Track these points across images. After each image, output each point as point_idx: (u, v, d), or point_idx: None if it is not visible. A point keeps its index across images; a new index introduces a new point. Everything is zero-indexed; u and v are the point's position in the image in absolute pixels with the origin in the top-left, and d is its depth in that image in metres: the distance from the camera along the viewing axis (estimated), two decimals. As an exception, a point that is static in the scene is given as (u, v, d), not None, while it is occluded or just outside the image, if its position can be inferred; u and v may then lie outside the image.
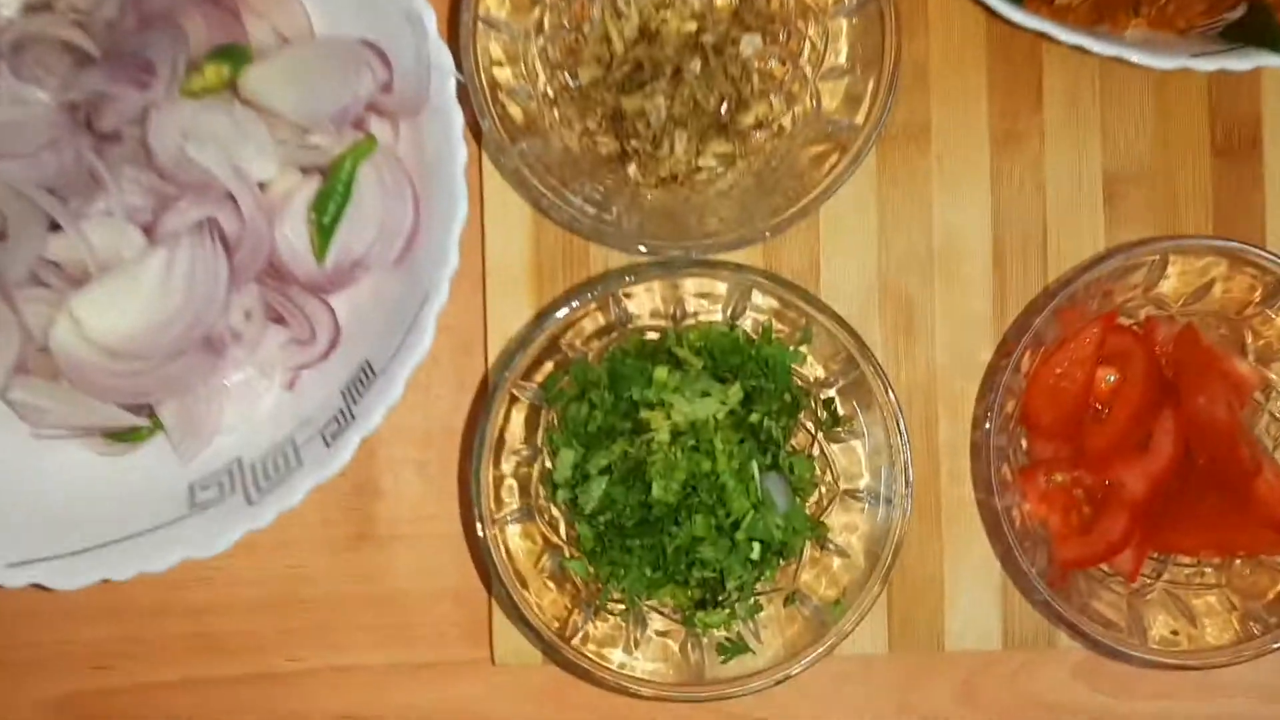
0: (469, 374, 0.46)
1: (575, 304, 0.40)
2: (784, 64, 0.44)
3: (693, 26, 0.44)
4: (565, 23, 0.44)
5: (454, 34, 0.42)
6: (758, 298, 0.42)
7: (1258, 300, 0.42)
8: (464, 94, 0.40)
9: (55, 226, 0.40)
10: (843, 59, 0.43)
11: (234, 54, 0.41)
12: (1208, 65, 0.39)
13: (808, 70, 0.44)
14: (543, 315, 0.43)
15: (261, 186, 0.41)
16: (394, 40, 0.41)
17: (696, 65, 0.43)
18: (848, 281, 0.46)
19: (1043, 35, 0.41)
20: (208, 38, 0.41)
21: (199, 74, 0.40)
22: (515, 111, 0.42)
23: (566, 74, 0.44)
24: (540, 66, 0.44)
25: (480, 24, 0.41)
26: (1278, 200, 0.47)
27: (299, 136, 0.41)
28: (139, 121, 0.40)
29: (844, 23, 0.43)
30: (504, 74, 0.43)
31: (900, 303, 0.46)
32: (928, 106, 0.46)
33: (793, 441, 0.42)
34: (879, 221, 0.46)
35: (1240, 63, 0.39)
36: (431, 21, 0.40)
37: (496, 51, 0.42)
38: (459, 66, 0.40)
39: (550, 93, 0.44)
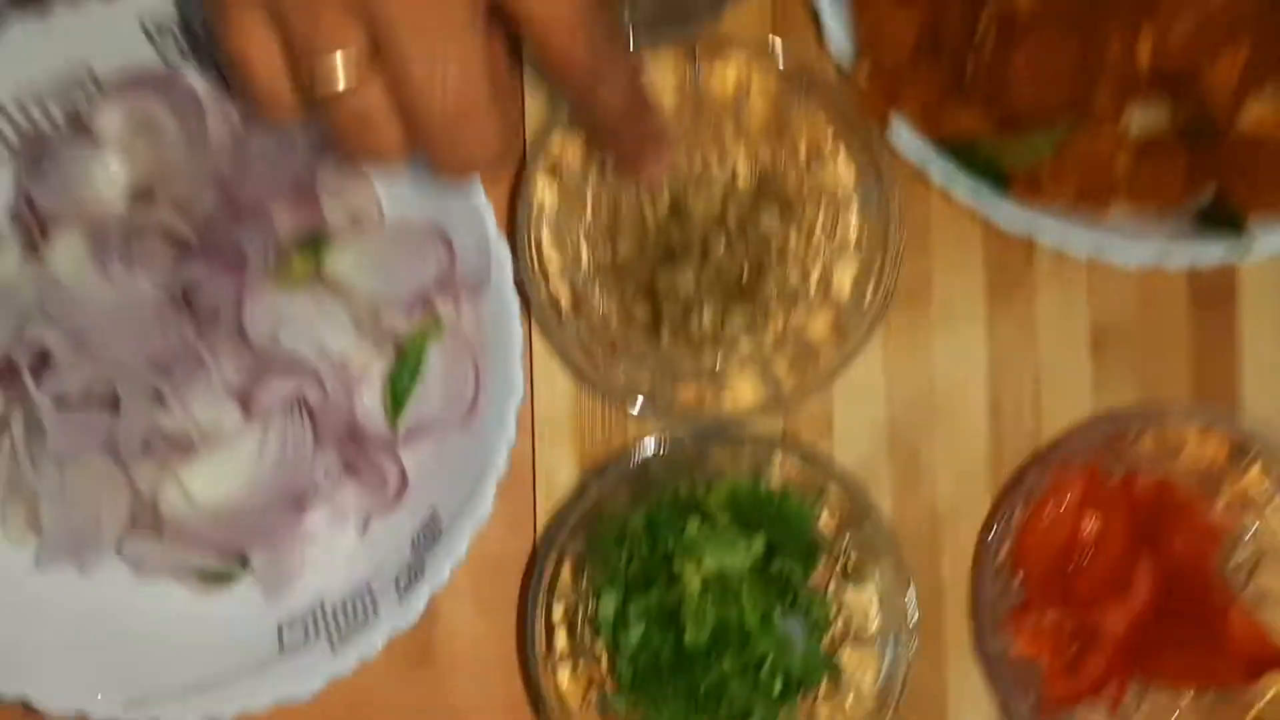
0: (521, 507, 0.51)
1: (612, 473, 0.46)
2: (799, 237, 0.50)
3: (718, 204, 0.50)
4: (606, 203, 0.49)
5: (511, 223, 0.48)
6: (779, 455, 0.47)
7: (1226, 459, 0.47)
8: (518, 277, 0.46)
9: (162, 402, 0.46)
10: (852, 235, 0.49)
11: (317, 243, 0.47)
12: (1176, 260, 0.44)
13: (820, 245, 0.49)
14: (586, 481, 0.49)
15: (342, 362, 0.47)
16: (457, 226, 0.47)
17: (722, 242, 0.48)
18: (858, 432, 0.51)
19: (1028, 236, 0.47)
20: (293, 225, 0.47)
21: (288, 265, 0.46)
22: (563, 291, 0.48)
23: (607, 249, 0.49)
24: (584, 244, 0.49)
25: (534, 215, 0.47)
26: (1252, 354, 0.52)
27: (375, 316, 0.47)
28: (235, 306, 0.46)
29: (854, 204, 0.49)
30: (552, 256, 0.48)
31: (906, 451, 0.51)
32: (929, 268, 0.52)
33: (810, 584, 0.47)
34: (885, 376, 0.51)
35: (1205, 254, 0.44)
36: (490, 216, 0.46)
37: (546, 237, 0.47)
38: (515, 254, 0.46)
39: (592, 267, 0.49)
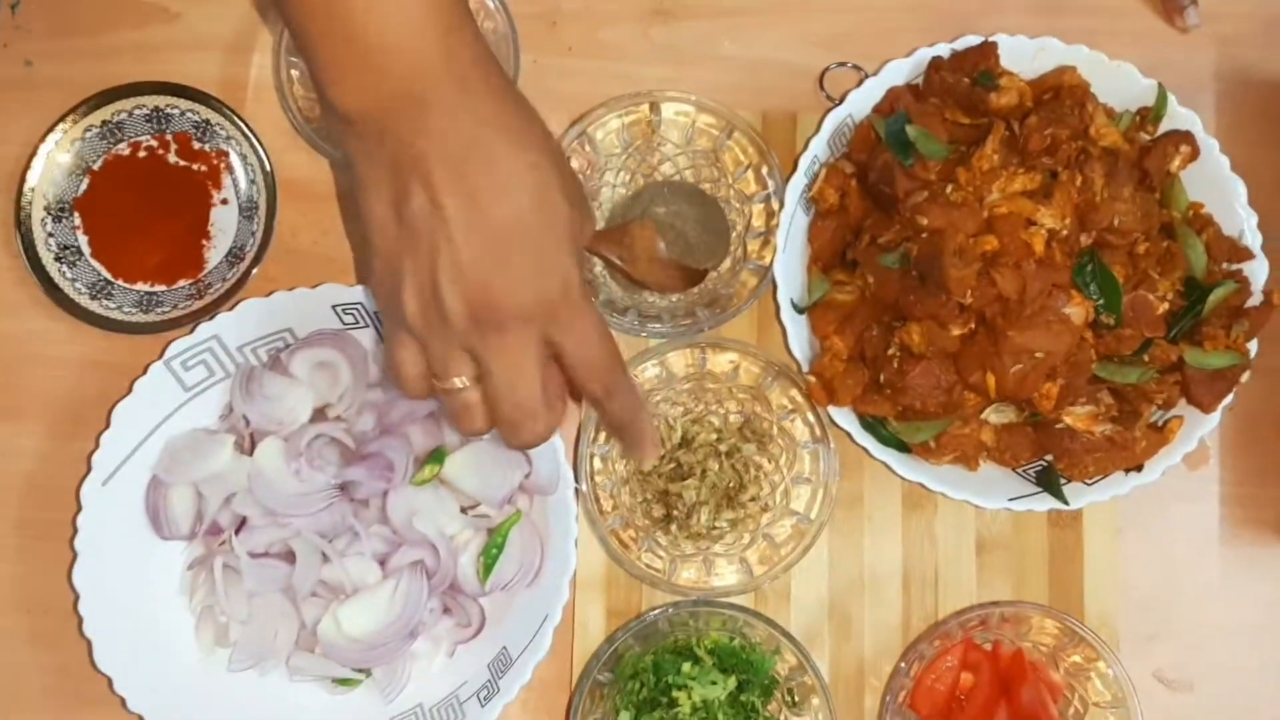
0: (563, 644, 0.70)
1: (631, 626, 0.66)
2: (770, 463, 0.71)
3: (714, 436, 0.71)
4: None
5: (575, 451, 0.68)
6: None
7: (1064, 639, 0.67)
8: (576, 486, 0.67)
9: (326, 559, 0.66)
10: (806, 469, 0.69)
11: (439, 455, 0.68)
12: (1020, 507, 0.65)
13: (785, 472, 0.70)
14: (612, 631, 0.69)
15: (450, 538, 0.67)
16: (537, 449, 0.68)
17: (716, 466, 0.69)
18: (809, 601, 0.71)
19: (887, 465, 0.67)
20: (424, 441, 0.68)
21: (421, 471, 0.67)
22: (604, 497, 0.69)
23: (635, 463, 0.70)
24: (619, 460, 0.70)
25: (589, 447, 0.68)
26: (1091, 561, 0.72)
27: (475, 507, 0.68)
28: (382, 497, 0.67)
29: (807, 450, 0.70)
30: (600, 471, 0.69)
31: (842, 616, 0.71)
32: (861, 488, 0.72)
33: (768, 710, 0.67)
34: (829, 562, 0.71)
35: (1041, 504, 0.65)
36: (561, 445, 0.66)
37: (596, 462, 0.68)
38: (576, 477, 0.66)
39: (624, 476, 0.70)
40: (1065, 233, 0.60)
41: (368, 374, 0.69)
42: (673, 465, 0.69)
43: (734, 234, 0.72)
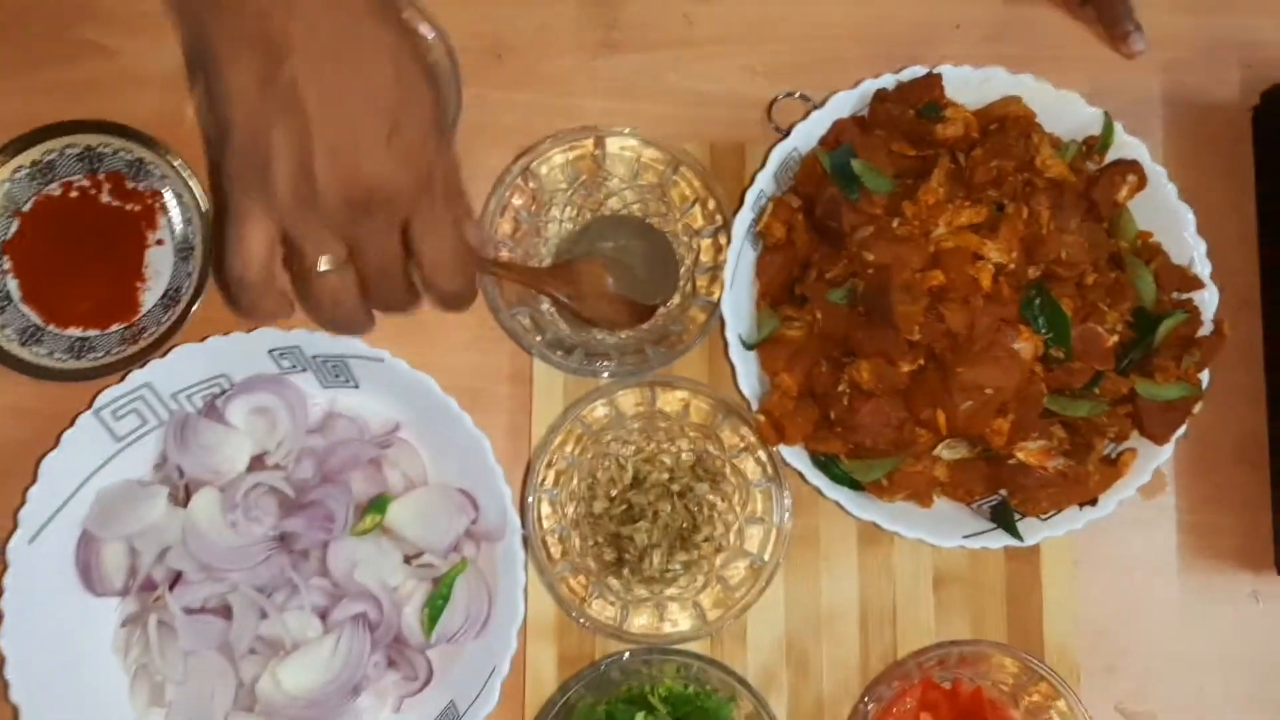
0: (514, 693, 0.68)
1: (584, 675, 0.64)
2: (724, 501, 0.69)
3: (666, 475, 0.69)
4: (586, 476, 0.69)
5: (522, 495, 0.67)
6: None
7: (1024, 677, 0.66)
8: (524, 533, 0.65)
9: (265, 615, 0.64)
10: (759, 509, 0.68)
11: (381, 503, 0.66)
12: (975, 544, 0.64)
13: (738, 509, 0.69)
14: (564, 681, 0.67)
15: (394, 589, 0.65)
16: (482, 493, 0.66)
17: (668, 507, 0.68)
18: (766, 642, 0.69)
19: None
20: (365, 488, 0.66)
21: (362, 520, 0.65)
22: (554, 543, 0.67)
23: (585, 507, 0.68)
24: (569, 503, 0.68)
25: (536, 491, 0.66)
26: (1049, 594, 0.71)
27: (419, 557, 0.66)
28: (322, 548, 0.64)
29: (760, 490, 0.68)
30: (548, 515, 0.67)
31: (800, 656, 0.70)
32: (816, 523, 0.71)
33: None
34: (785, 601, 0.70)
35: (996, 541, 0.64)
36: (507, 489, 0.65)
37: (545, 507, 0.67)
38: (523, 523, 0.65)
39: (574, 520, 0.68)
40: (1012, 266, 0.59)
41: (307, 419, 0.67)
42: (624, 507, 0.68)
43: (682, 268, 0.71)
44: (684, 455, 0.69)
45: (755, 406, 0.64)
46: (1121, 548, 0.72)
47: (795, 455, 0.63)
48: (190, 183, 0.72)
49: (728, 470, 0.68)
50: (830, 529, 0.70)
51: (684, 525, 0.68)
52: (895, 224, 0.61)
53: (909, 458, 0.62)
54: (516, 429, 0.71)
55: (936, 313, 0.59)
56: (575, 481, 0.69)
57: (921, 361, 0.60)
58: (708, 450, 0.69)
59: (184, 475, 0.66)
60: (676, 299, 0.70)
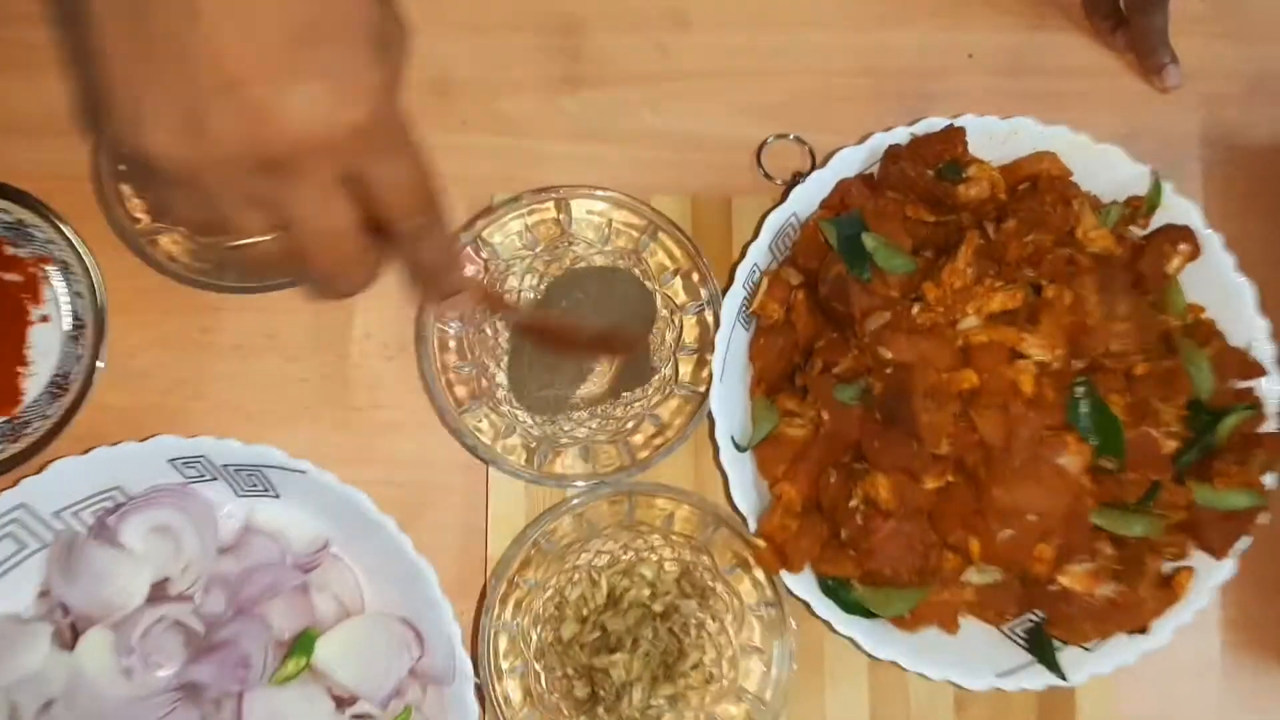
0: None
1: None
2: (715, 621, 0.60)
3: (647, 592, 0.59)
4: (554, 596, 0.59)
5: (475, 633, 0.56)
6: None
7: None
8: (478, 679, 0.55)
9: (170, 781, 0.53)
10: (757, 637, 0.58)
11: (307, 641, 0.55)
12: (1010, 685, 0.55)
13: (731, 632, 0.59)
14: None
15: (325, 744, 0.55)
16: (429, 628, 0.56)
17: (649, 633, 0.58)
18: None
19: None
20: (287, 621, 0.56)
21: (283, 666, 0.54)
22: (514, 686, 0.57)
23: (552, 632, 0.59)
24: (533, 629, 0.58)
25: (493, 629, 0.56)
26: (1086, 707, 0.62)
27: (354, 704, 0.55)
28: (237, 701, 0.54)
29: (756, 610, 0.59)
30: (507, 655, 0.57)
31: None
32: (820, 633, 0.61)
33: None
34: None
35: (1035, 680, 0.55)
36: (457, 626, 0.54)
37: (504, 643, 0.57)
38: (476, 667, 0.55)
39: (539, 648, 0.58)
40: (1056, 365, 0.50)
41: (217, 538, 0.57)
42: (597, 634, 0.58)
43: (662, 346, 0.61)
44: (668, 566, 0.59)
45: (752, 524, 0.55)
46: (1163, 655, 0.63)
47: (801, 584, 0.54)
48: (80, 249, 0.61)
49: (719, 587, 0.59)
50: (836, 642, 0.61)
51: (668, 652, 0.58)
52: (915, 311, 0.51)
53: (934, 585, 0.52)
54: (470, 532, 0.61)
55: (967, 420, 0.50)
56: (539, 603, 0.59)
57: (950, 477, 0.51)
58: (696, 561, 0.59)
59: (69, 613, 0.55)
60: (656, 383, 0.60)
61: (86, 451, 0.55)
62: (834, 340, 0.54)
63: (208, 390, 0.63)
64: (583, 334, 0.57)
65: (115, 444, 0.54)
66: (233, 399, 0.63)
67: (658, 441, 0.57)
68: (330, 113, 0.36)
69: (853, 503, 0.52)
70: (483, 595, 0.58)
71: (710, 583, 0.59)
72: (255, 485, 0.57)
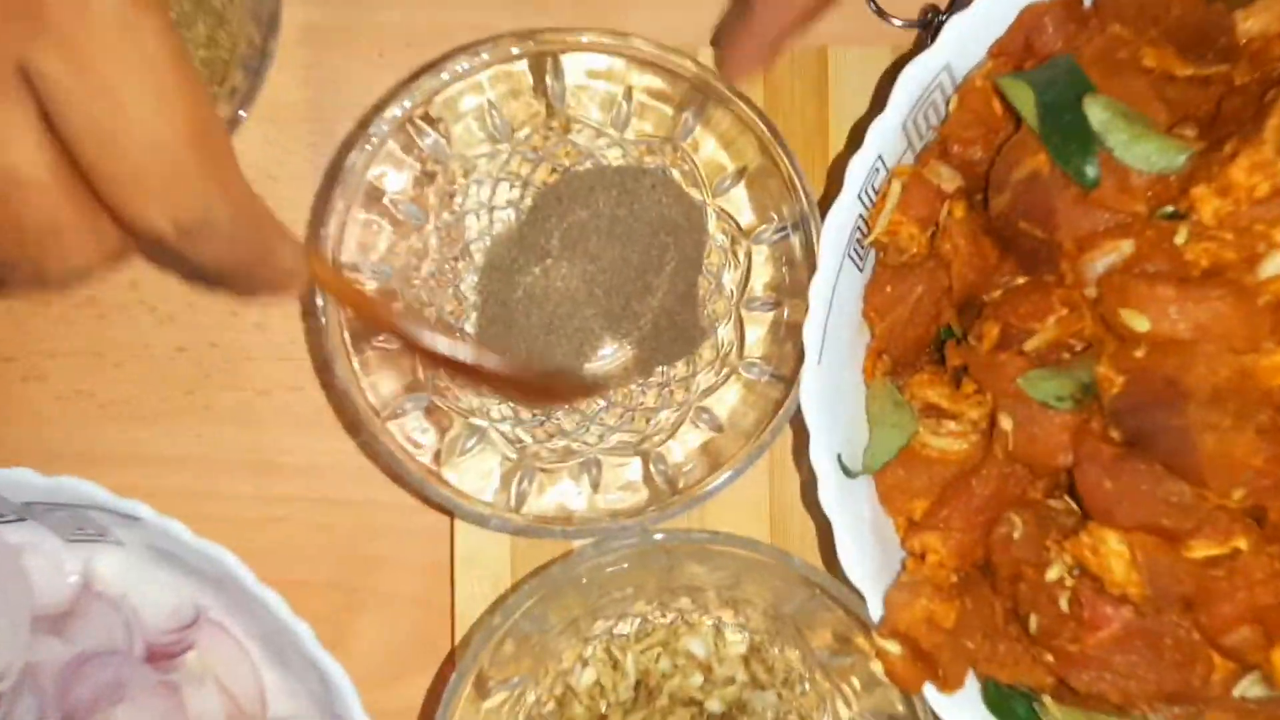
0: None
1: None
2: (802, 720, 0.39)
3: (698, 680, 0.39)
4: (555, 681, 0.38)
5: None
6: None
7: None
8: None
9: None
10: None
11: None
12: None
13: (830, 737, 0.38)
14: None
15: None
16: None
17: (701, 739, 0.38)
18: None
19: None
20: (142, 735, 0.36)
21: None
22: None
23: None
24: (523, 730, 0.38)
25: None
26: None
27: None
28: None
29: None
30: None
31: None
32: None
33: None
34: None
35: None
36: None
37: None
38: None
39: (535, 759, 0.38)
40: None
41: (31, 607, 0.37)
42: (621, 744, 0.38)
43: (711, 302, 0.38)
44: (730, 637, 0.39)
45: (874, 604, 0.33)
46: None
47: (958, 706, 0.33)
48: None
49: (814, 675, 0.38)
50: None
51: (732, 770, 0.38)
52: (1182, 238, 0.29)
53: (1187, 710, 0.31)
54: (430, 573, 0.40)
55: (1278, 443, 0.27)
56: (531, 698, 0.39)
57: (1240, 542, 0.29)
58: (775, 633, 0.38)
59: None
60: (716, 305, 0.38)
61: None
62: (1022, 289, 0.31)
63: (45, 369, 0.42)
64: (522, 377, 0.34)
65: None
66: (82, 381, 0.42)
67: (710, 459, 0.35)
68: None
69: (1053, 573, 0.30)
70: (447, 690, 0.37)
71: (798, 665, 0.38)
72: (83, 529, 0.37)
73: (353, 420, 0.37)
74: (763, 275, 0.37)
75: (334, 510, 0.42)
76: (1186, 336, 0.27)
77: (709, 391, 0.37)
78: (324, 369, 0.41)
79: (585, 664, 0.38)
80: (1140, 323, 0.28)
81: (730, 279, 0.38)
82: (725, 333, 0.38)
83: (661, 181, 0.38)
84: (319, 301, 0.35)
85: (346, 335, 0.34)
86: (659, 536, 0.34)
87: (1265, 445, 0.27)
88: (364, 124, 0.38)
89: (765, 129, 0.35)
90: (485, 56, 0.35)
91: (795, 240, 0.36)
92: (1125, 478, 0.28)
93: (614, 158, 0.39)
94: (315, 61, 0.42)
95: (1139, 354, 0.28)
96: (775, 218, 0.37)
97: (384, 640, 0.42)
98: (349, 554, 0.42)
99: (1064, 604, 0.30)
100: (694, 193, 0.38)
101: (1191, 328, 0.27)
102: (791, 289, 0.36)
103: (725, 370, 0.37)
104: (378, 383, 0.35)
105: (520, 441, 0.37)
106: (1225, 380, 0.27)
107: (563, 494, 0.36)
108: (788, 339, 0.36)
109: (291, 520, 0.42)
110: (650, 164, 0.37)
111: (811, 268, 0.34)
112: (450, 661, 0.40)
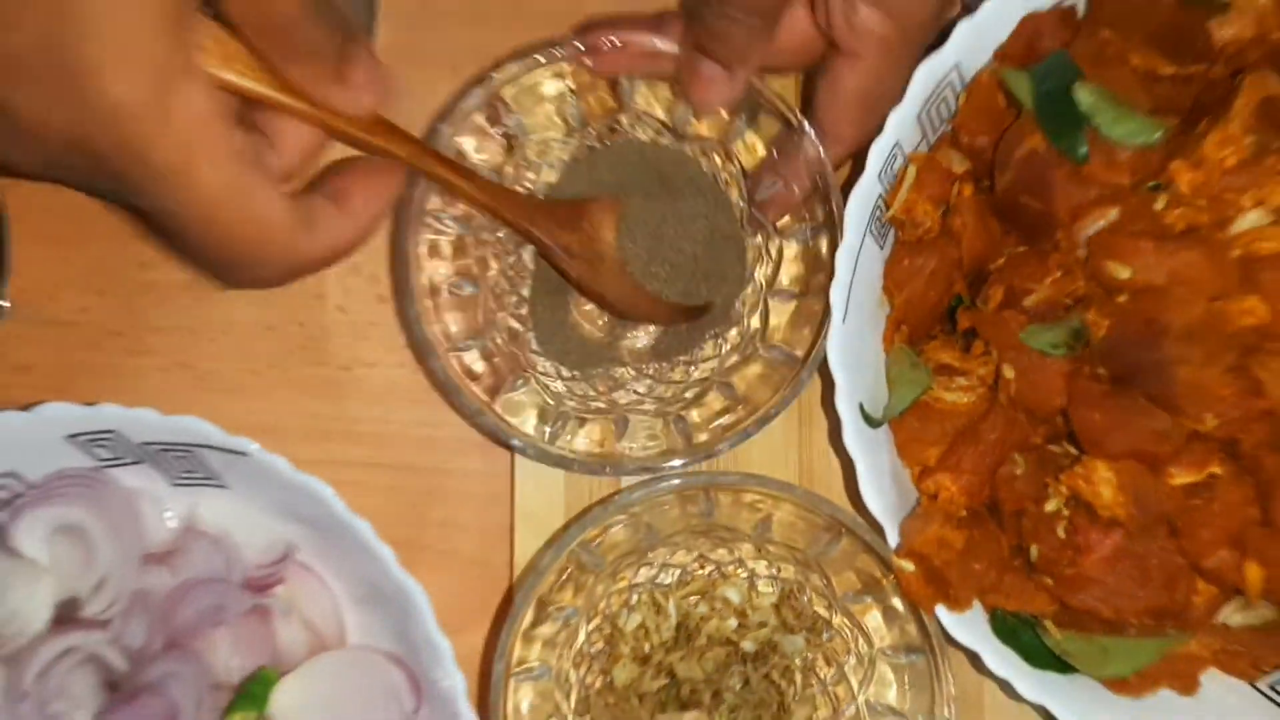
0: None
1: None
2: (829, 666, 0.42)
3: (733, 624, 0.42)
4: (604, 621, 0.42)
5: (484, 697, 0.40)
6: None
7: None
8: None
9: None
10: (892, 696, 0.41)
11: (259, 687, 0.40)
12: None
13: (853, 681, 0.42)
14: None
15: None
16: (428, 666, 0.40)
17: (737, 682, 0.41)
18: None
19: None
20: (234, 656, 0.40)
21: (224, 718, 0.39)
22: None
23: (601, 674, 0.42)
24: (574, 671, 0.42)
25: (514, 684, 0.39)
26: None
27: (323, 774, 0.40)
28: (162, 766, 0.39)
29: (893, 656, 0.41)
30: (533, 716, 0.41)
31: None
32: (980, 688, 0.44)
33: None
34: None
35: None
36: (462, 687, 0.38)
37: (529, 698, 0.40)
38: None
39: (583, 698, 0.42)
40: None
41: (142, 543, 0.42)
42: (664, 682, 0.41)
43: (748, 285, 0.43)
44: (762, 588, 0.42)
45: (891, 535, 0.37)
46: None
47: (966, 624, 0.36)
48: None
49: (837, 619, 0.42)
50: (1013, 709, 0.43)
51: (763, 707, 0.41)
52: (1161, 205, 0.33)
53: (1176, 634, 0.34)
54: (489, 536, 0.45)
55: (1248, 377, 0.31)
56: (582, 637, 0.42)
57: (1216, 468, 0.32)
58: (802, 582, 0.42)
59: (-51, 640, 0.41)
60: (746, 294, 0.43)
61: (-25, 415, 0.40)
62: (1023, 256, 0.35)
63: (150, 343, 0.48)
64: (622, 295, 0.39)
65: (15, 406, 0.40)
66: (182, 355, 0.48)
67: (725, 421, 0.40)
68: None
69: (1051, 505, 0.34)
70: (502, 627, 0.41)
71: (824, 612, 0.42)
72: (192, 472, 0.41)
73: (418, 348, 0.42)
74: (791, 268, 0.42)
75: (402, 475, 0.47)
76: (1162, 282, 0.31)
77: (733, 368, 0.42)
78: (402, 297, 0.45)
79: (631, 609, 0.42)
80: (1123, 271, 0.32)
81: (761, 273, 0.43)
82: (752, 320, 0.42)
83: (697, 176, 0.43)
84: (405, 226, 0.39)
85: (422, 274, 0.39)
86: (700, 477, 0.38)
87: (1234, 379, 0.31)
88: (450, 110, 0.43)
89: (812, 139, 0.39)
90: (544, 60, 0.40)
91: (823, 241, 0.40)
92: (1112, 410, 0.32)
93: (664, 142, 0.43)
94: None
95: (1122, 299, 0.32)
96: (807, 217, 0.41)
97: (447, 592, 0.46)
98: (416, 515, 0.46)
99: (1061, 532, 0.34)
100: (732, 191, 0.43)
101: (1166, 274, 0.31)
102: (812, 285, 0.40)
103: (748, 349, 0.42)
104: (448, 322, 0.40)
105: (559, 393, 0.42)
106: (1197, 320, 0.31)
107: (625, 443, 0.41)
108: (804, 325, 0.40)
109: (364, 484, 0.46)
110: (689, 153, 0.42)
111: (830, 267, 0.38)
112: (507, 602, 0.44)
